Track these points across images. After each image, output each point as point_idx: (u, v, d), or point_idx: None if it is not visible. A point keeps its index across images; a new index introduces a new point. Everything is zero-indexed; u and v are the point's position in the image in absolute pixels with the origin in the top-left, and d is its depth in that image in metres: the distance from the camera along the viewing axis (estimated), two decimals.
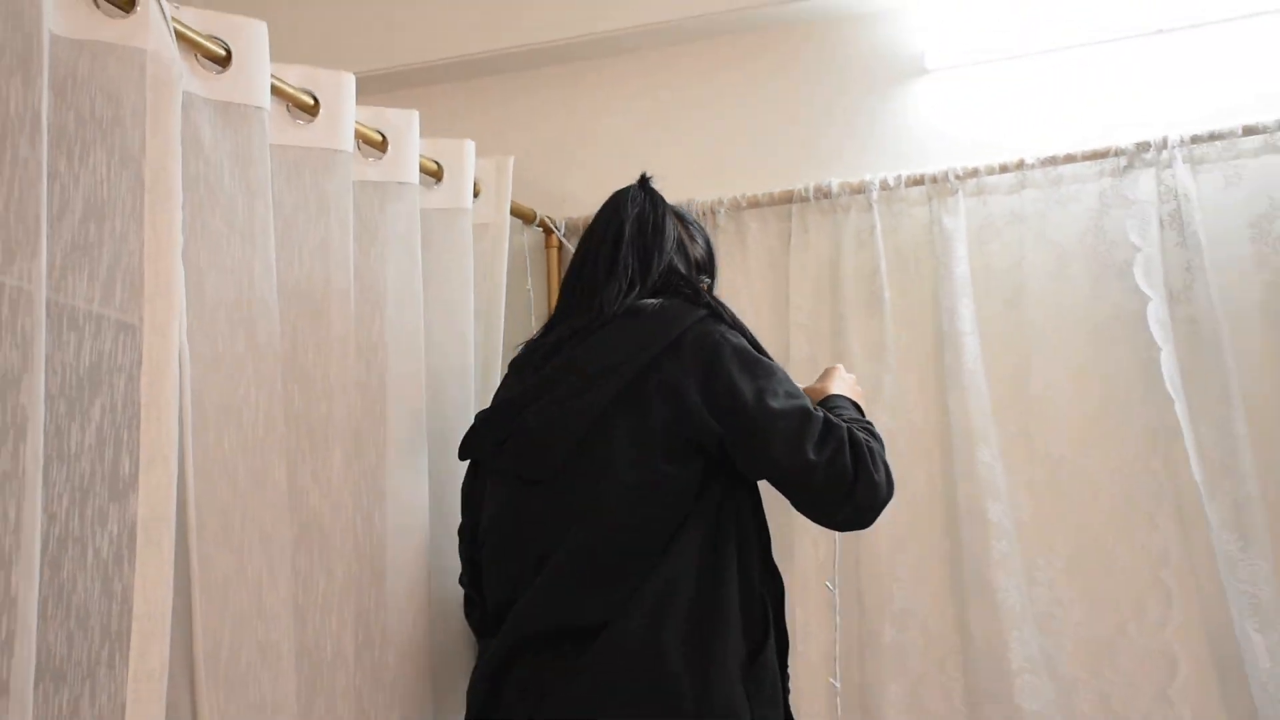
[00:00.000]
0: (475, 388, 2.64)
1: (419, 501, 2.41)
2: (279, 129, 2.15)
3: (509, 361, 2.38)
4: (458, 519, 2.46)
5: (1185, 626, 2.69)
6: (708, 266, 2.41)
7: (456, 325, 2.62)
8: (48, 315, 1.58)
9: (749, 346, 2.18)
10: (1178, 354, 2.66)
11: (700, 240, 2.41)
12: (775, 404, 2.07)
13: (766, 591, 2.19)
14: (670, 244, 2.31)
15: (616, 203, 2.36)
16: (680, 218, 2.40)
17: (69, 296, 1.68)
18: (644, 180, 2.38)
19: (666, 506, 2.10)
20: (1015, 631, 2.68)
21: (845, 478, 2.04)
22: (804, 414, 2.07)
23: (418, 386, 2.44)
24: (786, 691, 2.20)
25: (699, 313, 2.18)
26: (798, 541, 2.89)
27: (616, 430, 2.12)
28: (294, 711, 2.00)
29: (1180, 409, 2.62)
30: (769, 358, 2.20)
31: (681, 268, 2.31)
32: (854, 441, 2.08)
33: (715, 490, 2.14)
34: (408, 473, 2.40)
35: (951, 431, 2.81)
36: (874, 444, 2.14)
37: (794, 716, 2.19)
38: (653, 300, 2.22)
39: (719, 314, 2.22)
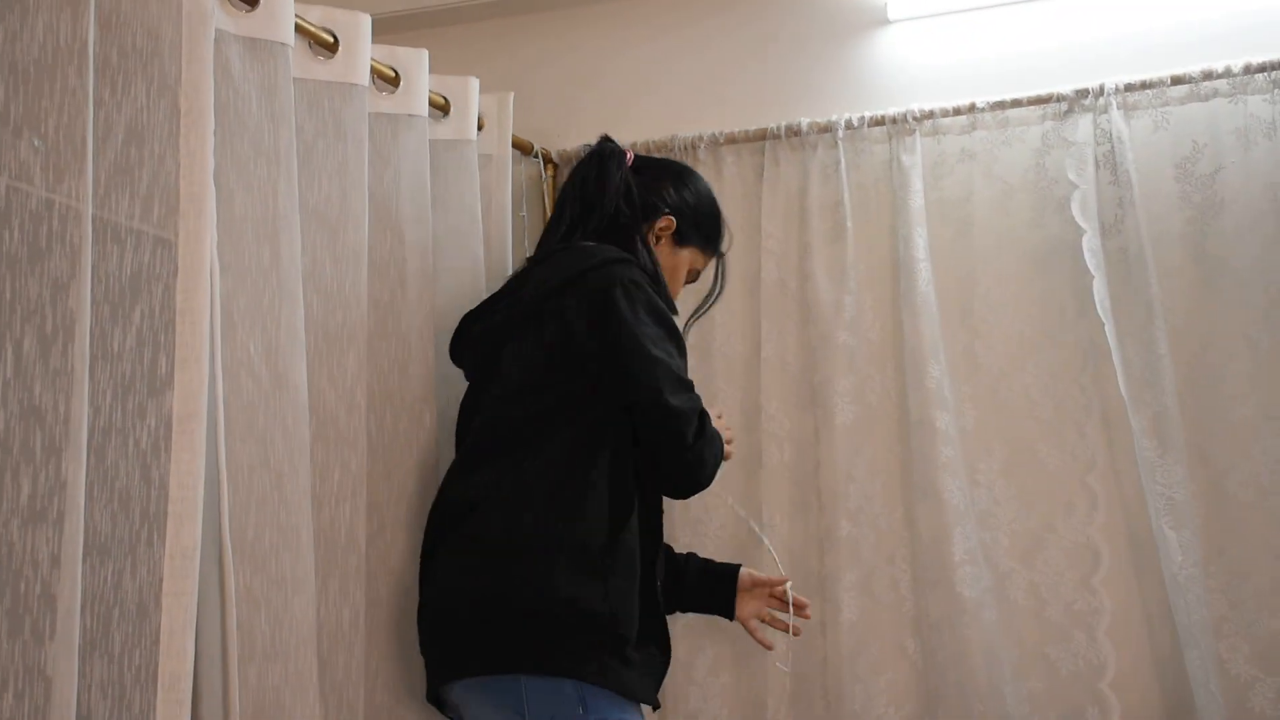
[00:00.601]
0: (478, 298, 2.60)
1: (426, 405, 2.42)
2: (301, 64, 2.15)
3: None
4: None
5: (1108, 524, 2.73)
6: (672, 213, 2.42)
7: (466, 246, 2.63)
8: (93, 230, 1.59)
9: (652, 295, 2.22)
10: (1108, 281, 2.67)
11: (675, 194, 2.44)
12: (651, 348, 2.13)
13: (638, 496, 2.23)
14: (611, 198, 2.35)
15: (578, 160, 2.46)
16: (659, 172, 2.47)
17: (112, 213, 1.69)
18: (601, 140, 2.44)
19: (546, 408, 2.17)
20: (958, 528, 2.71)
21: (688, 431, 2.14)
22: (673, 370, 2.16)
23: (427, 300, 2.44)
24: (653, 590, 2.24)
25: (613, 254, 2.23)
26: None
27: (519, 343, 2.23)
28: (312, 588, 2.02)
29: (1109, 330, 2.64)
30: (671, 321, 2.24)
31: (625, 219, 2.35)
32: (704, 422, 2.20)
33: (597, 405, 2.18)
34: (415, 379, 2.40)
35: (904, 348, 2.82)
36: (718, 443, 2.26)
37: (663, 617, 2.27)
38: (589, 243, 2.29)
39: (633, 261, 2.25)
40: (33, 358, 1.53)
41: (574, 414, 2.17)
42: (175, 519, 1.70)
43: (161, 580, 1.69)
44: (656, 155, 2.95)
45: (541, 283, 2.25)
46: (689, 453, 2.16)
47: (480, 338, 2.34)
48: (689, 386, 2.21)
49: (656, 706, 2.22)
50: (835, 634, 2.80)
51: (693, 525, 2.98)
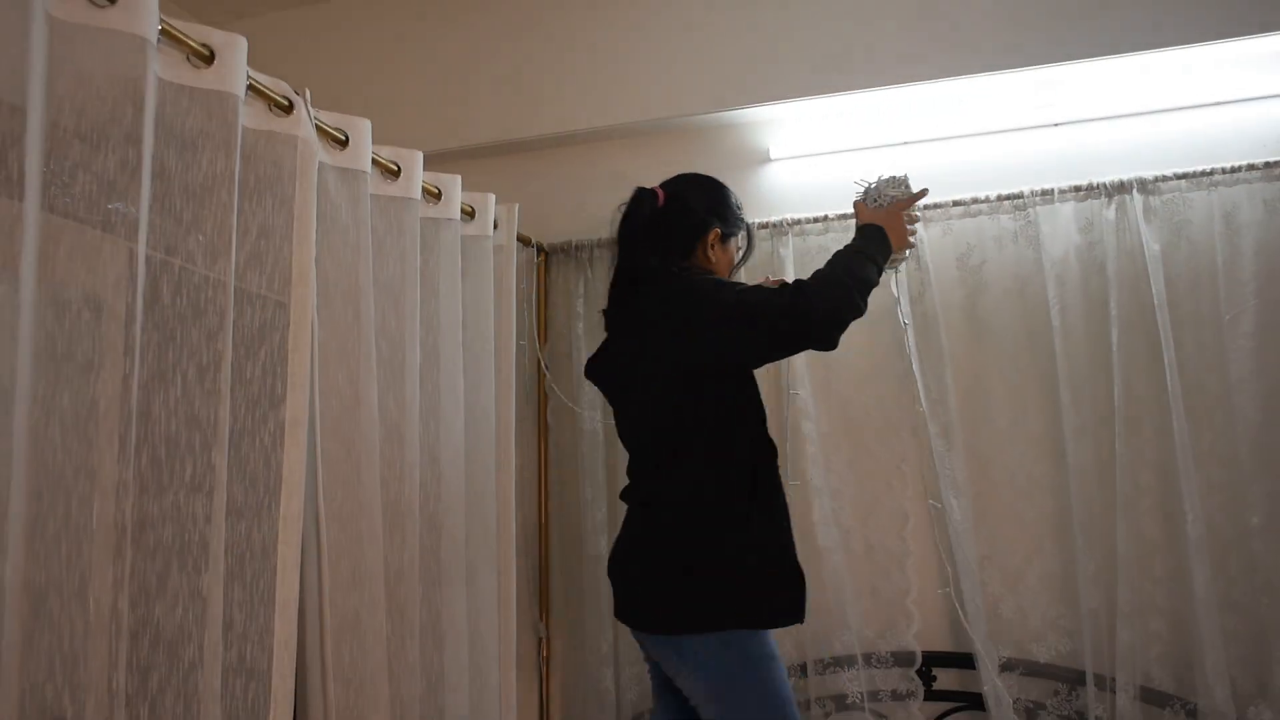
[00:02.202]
0: (492, 348, 2.63)
1: (457, 424, 2.41)
2: (375, 184, 2.17)
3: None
4: (486, 435, 2.52)
5: (914, 495, 2.75)
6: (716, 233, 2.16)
7: (483, 306, 2.62)
8: (235, 296, 1.61)
9: (711, 285, 1.97)
10: (915, 333, 2.70)
11: (706, 206, 2.18)
12: (731, 308, 1.90)
13: (758, 459, 2.00)
14: (650, 229, 2.14)
15: (624, 209, 2.22)
16: (688, 195, 2.19)
17: (247, 284, 1.71)
18: (636, 190, 2.21)
19: (684, 412, 1.97)
20: (816, 500, 2.72)
21: (781, 325, 1.89)
22: (743, 306, 1.89)
23: (458, 343, 2.45)
24: (787, 531, 2.01)
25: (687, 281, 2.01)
26: None
27: (648, 362, 2.02)
28: (380, 541, 2.03)
29: (915, 368, 2.66)
30: (732, 288, 1.95)
31: (679, 241, 2.14)
32: (785, 306, 1.89)
33: (719, 392, 1.98)
34: (451, 404, 2.40)
35: (781, 374, 2.82)
36: (824, 287, 1.93)
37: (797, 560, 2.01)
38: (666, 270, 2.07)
39: (682, 276, 2.04)
40: (194, 382, 1.56)
41: (706, 409, 1.96)
42: (287, 493, 1.72)
43: (278, 533, 1.71)
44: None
45: (646, 313, 2.04)
46: (793, 324, 1.89)
47: (613, 362, 2.17)
48: (759, 297, 1.91)
49: (802, 621, 1.98)
50: None
51: None
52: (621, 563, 2.04)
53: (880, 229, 2.11)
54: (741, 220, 2.25)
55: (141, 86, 1.43)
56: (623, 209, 2.21)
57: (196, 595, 1.50)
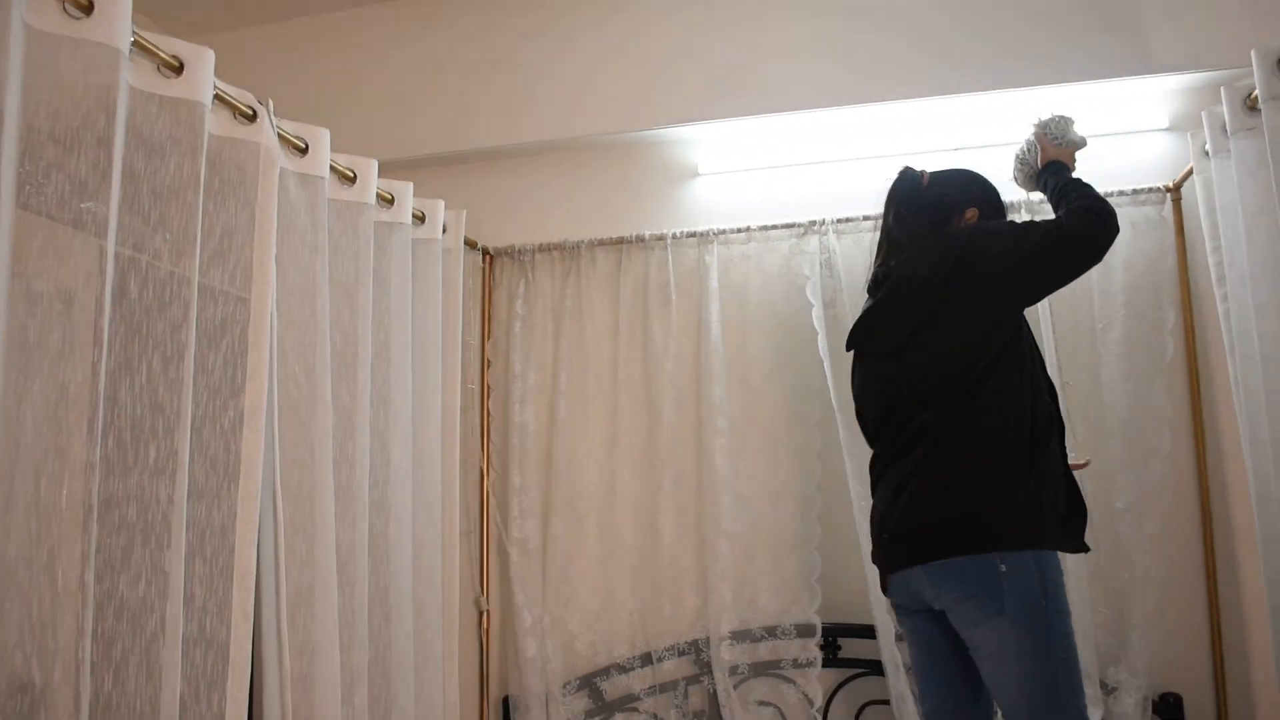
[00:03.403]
0: (439, 343, 2.62)
1: (405, 413, 2.40)
2: (333, 189, 2.17)
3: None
4: (432, 424, 2.51)
5: (823, 482, 2.75)
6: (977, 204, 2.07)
7: (431, 303, 2.61)
8: (199, 291, 1.60)
9: (988, 228, 1.94)
10: (826, 337, 2.72)
11: (967, 192, 2.09)
12: (1011, 249, 1.86)
13: (1052, 404, 1.91)
14: (916, 202, 2.09)
15: (893, 183, 2.17)
16: (951, 181, 2.12)
17: (211, 280, 1.70)
18: (903, 169, 2.16)
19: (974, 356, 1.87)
20: (725, 489, 2.74)
21: (1056, 252, 1.86)
22: (1018, 243, 1.87)
23: (406, 341, 2.44)
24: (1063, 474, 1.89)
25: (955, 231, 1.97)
26: None
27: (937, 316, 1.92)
28: (332, 520, 2.02)
29: (826, 367, 2.69)
30: (1006, 222, 1.97)
31: (937, 216, 2.06)
32: (1051, 233, 1.87)
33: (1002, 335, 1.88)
34: (399, 395, 2.39)
35: (700, 371, 2.83)
36: (1070, 220, 1.89)
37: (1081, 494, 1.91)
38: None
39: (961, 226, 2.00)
40: (158, 371, 1.55)
41: (1000, 345, 1.87)
42: (245, 475, 1.72)
43: (236, 513, 1.71)
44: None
45: (917, 273, 1.96)
46: (1067, 251, 1.86)
47: (890, 324, 2.02)
48: (1032, 232, 1.88)
49: (1088, 550, 1.91)
50: (660, 550, 2.81)
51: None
52: (919, 500, 1.87)
53: (1065, 164, 2.11)
54: (1004, 208, 2.15)
55: (114, 94, 1.42)
56: (889, 183, 2.16)
57: (159, 570, 1.49)
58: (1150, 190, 2.61)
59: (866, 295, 2.17)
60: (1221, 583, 2.48)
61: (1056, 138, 2.16)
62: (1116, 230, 1.88)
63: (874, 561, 2.04)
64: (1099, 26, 2.61)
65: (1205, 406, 2.54)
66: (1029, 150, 2.22)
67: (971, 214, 2.06)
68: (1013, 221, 1.97)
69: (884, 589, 2.06)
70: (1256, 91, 1.96)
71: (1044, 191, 2.14)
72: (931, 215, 2.05)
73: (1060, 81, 2.61)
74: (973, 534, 1.79)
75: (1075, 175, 2.08)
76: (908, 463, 1.91)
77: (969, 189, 2.10)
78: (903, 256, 2.04)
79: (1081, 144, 2.16)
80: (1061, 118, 2.18)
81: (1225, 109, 2.17)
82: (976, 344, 1.87)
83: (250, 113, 1.77)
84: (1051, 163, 2.12)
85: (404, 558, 2.35)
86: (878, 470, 2.03)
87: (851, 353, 2.21)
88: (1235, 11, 2.52)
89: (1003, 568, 1.75)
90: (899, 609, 2.08)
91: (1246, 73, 2.01)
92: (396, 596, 2.32)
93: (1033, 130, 2.21)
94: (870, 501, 2.08)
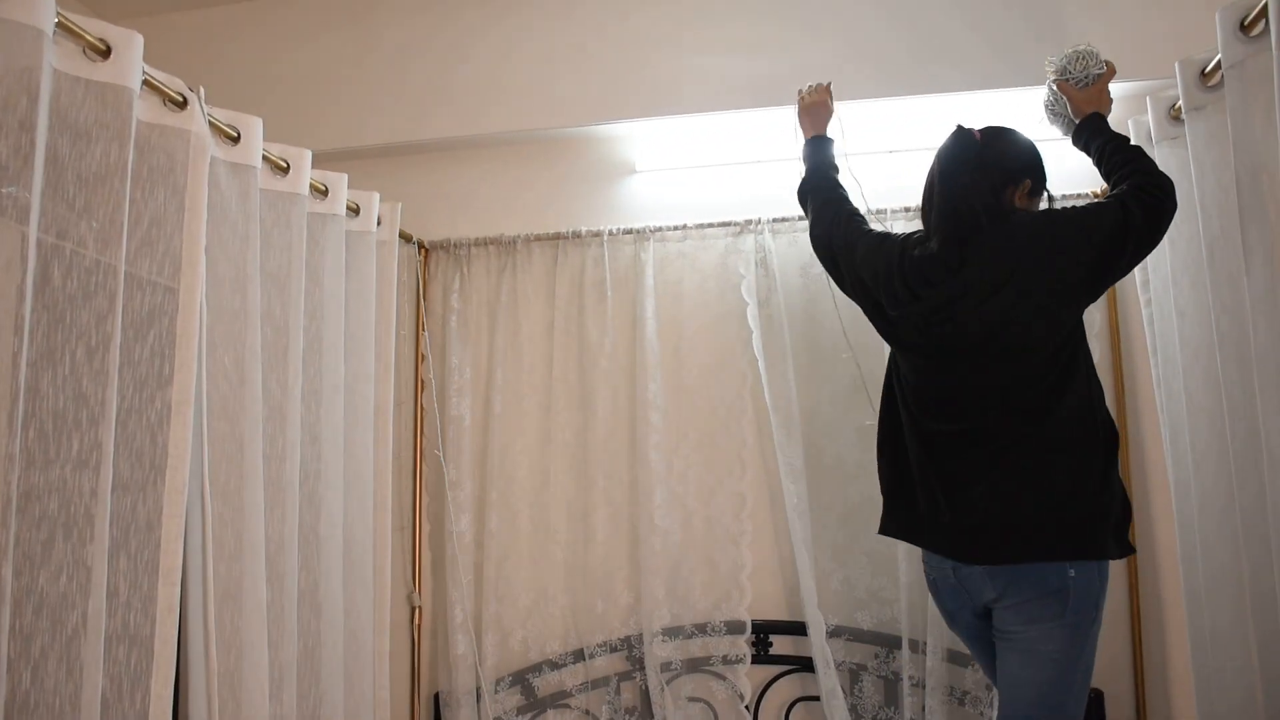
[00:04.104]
0: (372, 336, 2.60)
1: (337, 406, 2.38)
2: (265, 179, 2.14)
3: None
4: (364, 418, 2.48)
5: (754, 480, 2.81)
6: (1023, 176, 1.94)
7: (365, 295, 2.60)
8: (126, 281, 1.58)
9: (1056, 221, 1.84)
10: (761, 334, 2.76)
11: (1021, 160, 1.95)
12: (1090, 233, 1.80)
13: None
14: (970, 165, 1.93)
15: (947, 142, 2.00)
16: (1005, 146, 1.96)
17: (138, 270, 1.67)
18: (956, 128, 1.99)
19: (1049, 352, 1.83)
20: (659, 484, 2.77)
21: (1136, 219, 1.80)
22: (1098, 218, 1.81)
23: (339, 334, 2.42)
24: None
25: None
26: None
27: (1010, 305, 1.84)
28: (262, 514, 2.00)
29: (761, 364, 2.73)
30: (1070, 212, 1.84)
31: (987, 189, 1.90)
32: (1129, 220, 1.80)
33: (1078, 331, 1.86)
34: (331, 388, 2.37)
35: (635, 368, 2.84)
36: (1136, 207, 1.81)
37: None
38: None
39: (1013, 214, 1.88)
40: (82, 361, 1.51)
41: (1078, 343, 1.85)
42: (172, 468, 1.70)
43: (163, 507, 1.68)
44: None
45: (1014, 250, 1.83)
46: (1145, 212, 1.81)
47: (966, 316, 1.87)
48: (1102, 224, 1.81)
49: (1134, 551, 2.01)
50: (593, 546, 2.82)
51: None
52: (1003, 495, 1.83)
53: (1101, 116, 2.05)
54: (1045, 178, 2.01)
55: (37, 76, 1.39)
56: (940, 149, 1.99)
57: (81, 565, 1.46)
58: (1079, 196, 2.68)
59: (916, 278, 1.98)
60: (1142, 581, 2.56)
61: (1079, 79, 2.08)
62: (1176, 206, 1.85)
63: (932, 548, 1.99)
64: (1031, 35, 2.68)
65: (1129, 406, 2.62)
66: (1056, 101, 2.14)
67: (1025, 185, 1.93)
68: (1076, 210, 1.86)
69: (933, 587, 2.05)
70: (1180, 103, 2.03)
71: (1085, 152, 2.06)
72: (992, 178, 1.89)
73: (993, 87, 2.67)
74: (1057, 540, 1.79)
75: (1114, 133, 2.01)
76: (986, 458, 1.86)
77: (1024, 157, 1.95)
78: (974, 246, 1.88)
79: (1109, 73, 2.08)
80: (1076, 53, 2.09)
81: (1150, 119, 2.24)
82: (1053, 342, 1.83)
83: (180, 99, 1.73)
84: (1087, 119, 2.05)
85: (335, 553, 2.33)
86: (950, 465, 1.92)
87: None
88: (1161, 24, 2.60)
89: (1072, 573, 1.77)
90: (950, 617, 2.06)
91: (1171, 83, 2.07)
92: (327, 592, 2.30)
93: (1051, 79, 2.13)
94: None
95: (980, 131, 1.96)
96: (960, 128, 1.98)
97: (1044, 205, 2.03)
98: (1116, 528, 1.83)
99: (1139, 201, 1.82)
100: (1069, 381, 1.82)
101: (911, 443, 2.00)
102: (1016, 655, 1.85)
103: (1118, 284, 2.64)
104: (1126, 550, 1.84)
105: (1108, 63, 2.11)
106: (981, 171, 1.90)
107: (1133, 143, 1.99)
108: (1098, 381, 1.89)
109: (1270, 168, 1.70)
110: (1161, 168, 2.10)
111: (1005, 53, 2.68)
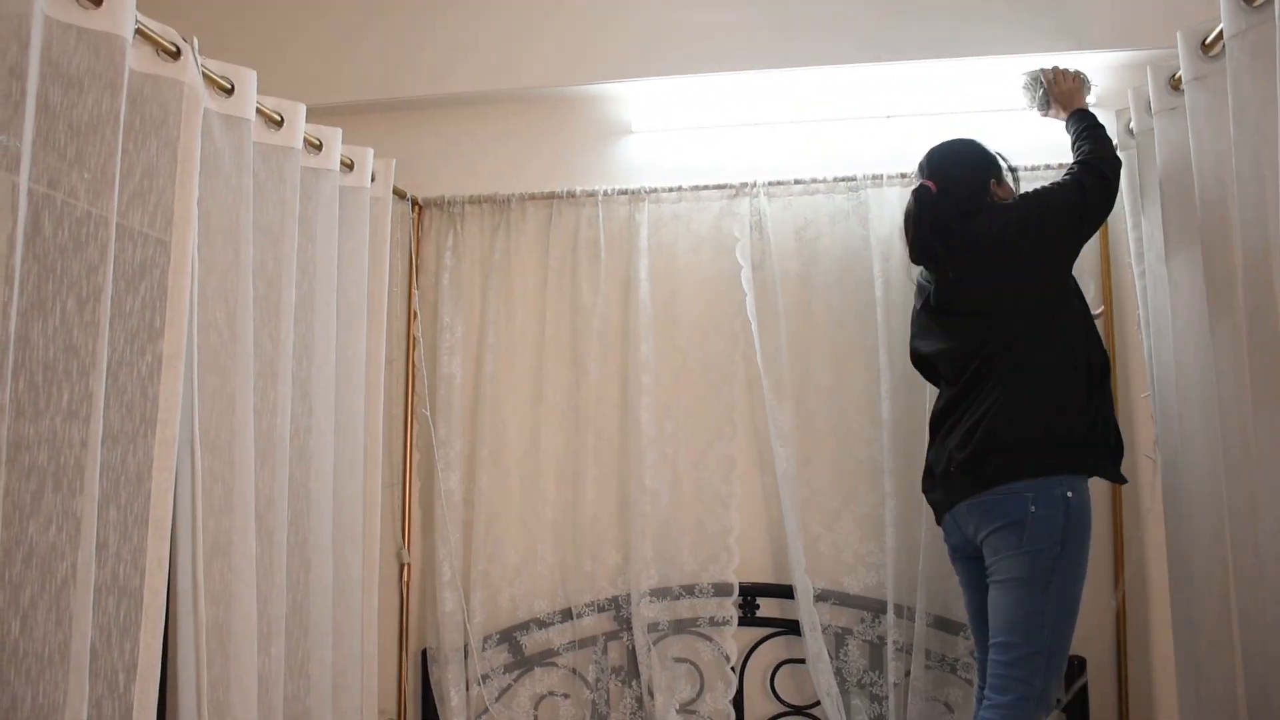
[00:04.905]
0: (365, 293, 2.60)
1: (329, 362, 2.38)
2: (259, 133, 2.13)
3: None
4: (356, 374, 2.49)
5: (743, 443, 2.82)
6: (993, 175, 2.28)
7: (358, 253, 2.59)
8: (117, 232, 1.57)
9: (1000, 206, 2.17)
10: (754, 298, 2.76)
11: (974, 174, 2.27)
12: (1047, 218, 2.12)
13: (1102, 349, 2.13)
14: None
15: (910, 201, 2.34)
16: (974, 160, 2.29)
17: (129, 222, 1.67)
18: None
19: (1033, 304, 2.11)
20: (650, 448, 2.78)
21: (1080, 203, 2.10)
22: (1049, 203, 2.12)
23: (331, 289, 2.42)
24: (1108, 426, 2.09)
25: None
26: None
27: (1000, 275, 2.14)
28: (251, 468, 2.01)
29: (754, 327, 2.74)
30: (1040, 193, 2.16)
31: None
32: (1080, 188, 2.12)
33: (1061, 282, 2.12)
34: (323, 344, 2.37)
35: (628, 329, 2.85)
36: (1086, 175, 2.13)
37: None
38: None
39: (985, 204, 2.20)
40: (73, 312, 1.52)
41: (1062, 296, 2.10)
42: (163, 421, 1.70)
43: (153, 459, 1.69)
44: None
45: (993, 235, 2.13)
46: (1096, 195, 2.11)
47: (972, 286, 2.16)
48: (1062, 191, 2.13)
49: (1125, 481, 2.20)
50: (582, 506, 2.83)
51: None
52: (985, 434, 2.05)
53: (1081, 111, 2.32)
54: (1000, 160, 2.32)
55: (28, 22, 1.38)
56: (908, 211, 2.30)
57: (70, 515, 1.47)
58: (1046, 168, 2.68)
59: (925, 266, 2.31)
60: (1127, 550, 2.59)
61: (1041, 101, 2.45)
62: (1119, 173, 2.17)
63: (934, 501, 2.26)
64: (1032, 2, 2.66)
65: (1118, 374, 2.64)
66: (1034, 99, 2.47)
67: (991, 184, 2.25)
68: (1047, 189, 2.17)
69: (945, 532, 2.26)
70: (1180, 72, 2.03)
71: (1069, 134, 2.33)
72: (960, 204, 2.20)
73: (991, 54, 2.67)
74: (1034, 460, 2.00)
75: (1089, 122, 2.28)
76: (979, 405, 2.09)
77: (976, 171, 2.26)
78: (977, 222, 2.17)
79: (1060, 85, 2.40)
80: (1035, 79, 2.46)
81: (1150, 88, 2.24)
82: (1038, 297, 2.08)
83: (174, 49, 1.72)
84: (1074, 114, 2.33)
85: (325, 508, 2.34)
86: (951, 418, 2.18)
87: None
88: None
89: (1033, 509, 1.97)
90: (952, 551, 2.28)
91: (1172, 54, 2.07)
92: (316, 547, 2.31)
93: (1034, 96, 2.47)
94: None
95: (930, 179, 2.25)
96: (920, 187, 2.27)
97: (1012, 182, 2.34)
98: (1103, 452, 2.05)
99: (1092, 178, 2.13)
100: (1053, 328, 2.06)
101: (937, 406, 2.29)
102: (993, 587, 2.06)
103: (1113, 256, 2.66)
104: (1113, 474, 2.08)
105: (1045, 71, 2.43)
106: (956, 201, 2.21)
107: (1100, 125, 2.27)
108: (1092, 324, 2.12)
109: (1270, 138, 1.70)
110: (1160, 138, 2.16)
111: (1006, 20, 2.67)
